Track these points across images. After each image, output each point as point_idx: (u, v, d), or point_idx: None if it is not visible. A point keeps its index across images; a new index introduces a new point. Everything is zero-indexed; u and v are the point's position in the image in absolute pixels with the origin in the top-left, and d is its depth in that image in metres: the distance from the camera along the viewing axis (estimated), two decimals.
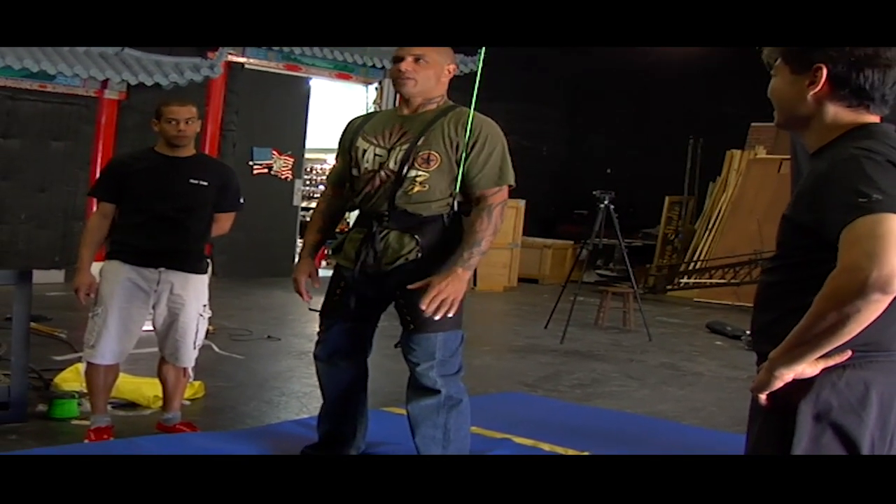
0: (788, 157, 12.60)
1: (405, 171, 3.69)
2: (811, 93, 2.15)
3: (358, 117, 4.09)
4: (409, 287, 3.60)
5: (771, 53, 2.25)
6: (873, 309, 1.92)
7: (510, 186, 3.77)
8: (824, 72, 2.12)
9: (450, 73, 3.79)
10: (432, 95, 3.77)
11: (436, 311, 3.52)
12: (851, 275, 1.91)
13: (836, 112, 2.15)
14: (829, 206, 2.01)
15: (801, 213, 2.13)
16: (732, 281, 12.20)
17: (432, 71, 3.72)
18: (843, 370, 2.08)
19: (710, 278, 12.82)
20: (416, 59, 3.69)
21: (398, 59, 3.74)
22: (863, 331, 1.99)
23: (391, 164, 3.72)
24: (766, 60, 2.27)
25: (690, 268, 13.42)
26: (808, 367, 2.07)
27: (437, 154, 3.68)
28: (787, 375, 2.07)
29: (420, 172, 3.68)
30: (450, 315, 3.58)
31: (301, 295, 3.99)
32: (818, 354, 2.02)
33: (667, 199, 14.42)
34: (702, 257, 13.32)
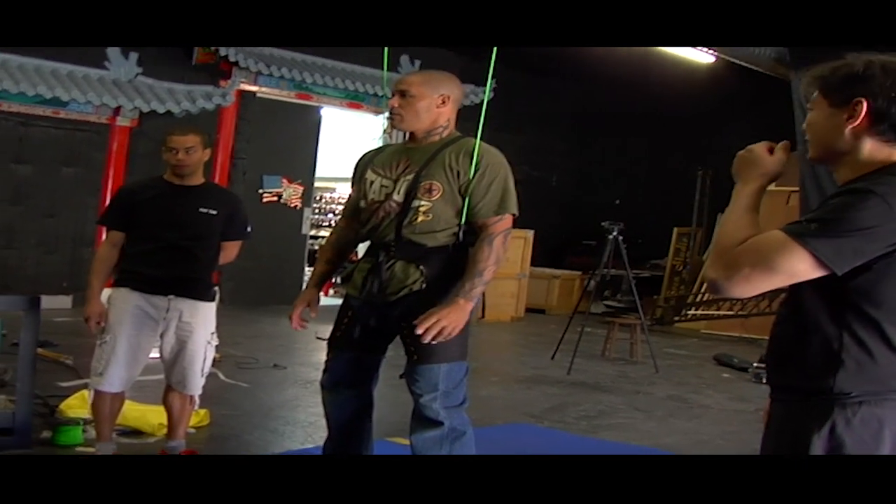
0: (797, 189, 12.66)
1: (410, 201, 3.70)
2: (850, 127, 2.12)
3: (370, 150, 4.11)
4: (415, 322, 3.59)
5: (809, 87, 2.22)
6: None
7: (514, 216, 3.77)
8: (864, 106, 2.09)
9: (445, 101, 3.73)
10: (431, 126, 3.76)
11: (434, 337, 3.52)
12: (735, 262, 2.07)
13: (873, 147, 2.12)
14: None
15: None
16: (740, 313, 12.17)
17: (422, 103, 3.69)
18: (858, 407, 2.07)
19: (718, 310, 12.79)
20: (402, 94, 3.70)
21: (392, 94, 3.76)
22: (877, 374, 2.05)
23: (396, 196, 3.73)
24: (804, 93, 2.24)
25: (698, 299, 13.39)
26: None
27: (438, 184, 3.68)
28: None
29: (423, 203, 3.68)
30: (443, 340, 3.57)
31: (291, 320, 4.00)
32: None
33: (675, 230, 14.41)
34: None
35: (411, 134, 3.82)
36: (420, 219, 3.69)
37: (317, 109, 12.58)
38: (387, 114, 3.84)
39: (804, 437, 2.10)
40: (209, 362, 4.70)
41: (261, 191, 12.05)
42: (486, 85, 4.09)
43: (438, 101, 3.73)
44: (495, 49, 3.88)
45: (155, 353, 4.67)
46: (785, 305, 2.25)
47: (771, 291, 8.14)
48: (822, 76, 2.18)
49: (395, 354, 3.99)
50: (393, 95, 3.74)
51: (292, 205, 12.44)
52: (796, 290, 2.17)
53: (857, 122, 2.11)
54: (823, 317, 2.10)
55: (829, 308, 2.09)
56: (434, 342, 3.56)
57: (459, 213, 3.72)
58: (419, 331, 3.51)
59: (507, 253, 3.79)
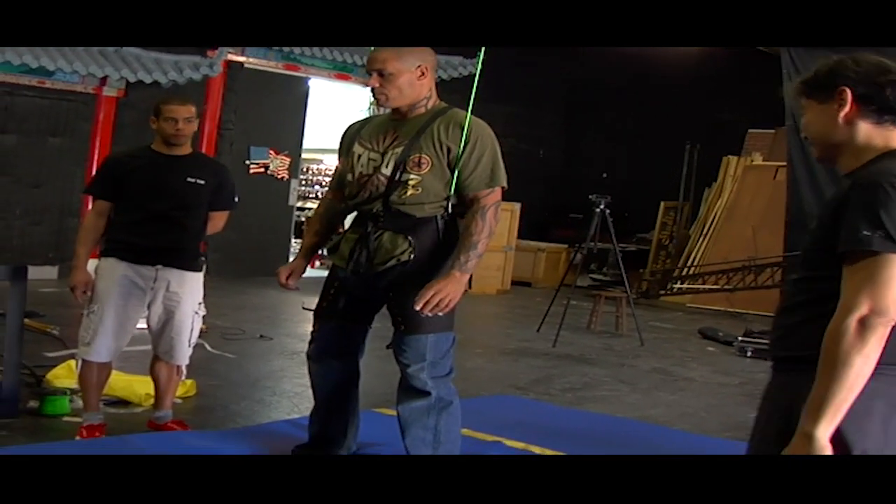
0: (784, 164, 12.67)
1: (398, 175, 3.71)
2: (842, 115, 2.28)
3: (357, 122, 4.11)
4: (414, 301, 3.59)
5: (797, 97, 2.40)
6: (882, 335, 2.10)
7: (503, 188, 3.79)
8: (849, 92, 2.26)
9: (424, 72, 3.73)
10: (415, 99, 3.76)
11: (430, 309, 3.54)
12: (852, 316, 2.08)
13: (869, 130, 2.28)
14: (842, 228, 2.15)
15: (823, 230, 2.25)
16: (726, 287, 12.22)
17: (402, 79, 3.68)
18: None
19: (704, 284, 12.85)
20: (381, 74, 3.68)
21: (369, 73, 3.75)
22: None
23: (384, 169, 3.74)
24: (795, 105, 2.44)
25: (684, 273, 13.44)
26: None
27: (427, 157, 3.70)
28: (826, 440, 2.12)
29: (412, 176, 3.70)
30: (440, 314, 3.59)
31: (279, 276, 4.02)
32: (849, 403, 2.10)
33: (662, 204, 14.44)
34: (696, 263, 13.34)
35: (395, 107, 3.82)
36: (409, 192, 3.71)
37: (304, 80, 12.52)
38: (370, 93, 3.83)
39: (798, 405, 2.17)
40: (196, 332, 4.71)
41: (248, 162, 12.01)
42: (474, 56, 4.09)
43: (418, 74, 3.73)
44: (483, 49, 3.89)
45: (142, 324, 4.67)
46: (793, 282, 2.36)
47: (754, 265, 8.25)
48: (804, 82, 2.37)
49: (381, 325, 4.01)
50: (370, 75, 3.74)
51: (279, 176, 12.41)
52: (805, 266, 2.30)
53: (847, 108, 2.27)
54: (830, 291, 2.17)
55: (838, 283, 2.16)
56: (428, 313, 3.59)
57: (448, 186, 3.73)
58: (417, 306, 3.53)
59: (497, 225, 3.81)
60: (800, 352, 2.22)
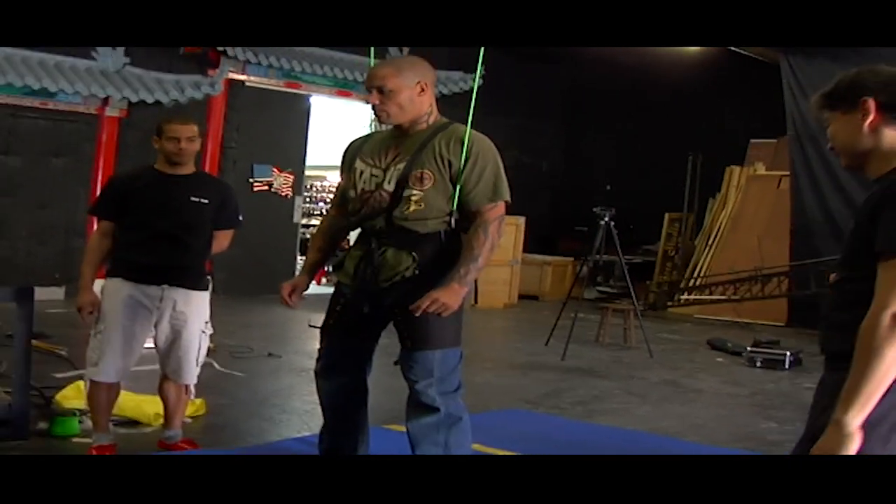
0: (787, 173, 12.66)
1: (401, 190, 3.70)
2: (866, 124, 2.40)
3: (358, 139, 4.10)
4: (410, 309, 3.59)
5: (818, 111, 2.51)
6: None
7: (506, 202, 3.78)
8: (871, 102, 2.38)
9: (424, 88, 3.71)
10: (416, 115, 3.74)
11: (427, 310, 3.53)
12: (887, 311, 2.18)
13: (894, 136, 2.40)
14: (878, 228, 2.25)
15: (860, 231, 2.34)
16: (733, 297, 12.20)
17: (402, 96, 3.67)
18: None
19: (711, 294, 12.82)
20: (381, 90, 3.67)
21: (368, 90, 3.74)
22: None
23: (387, 185, 3.73)
24: (817, 119, 2.54)
25: (691, 284, 13.42)
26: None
27: (430, 173, 3.69)
28: (858, 429, 2.20)
29: (415, 191, 3.69)
30: (437, 316, 3.58)
31: (281, 293, 3.97)
32: (880, 395, 2.19)
33: (667, 215, 14.42)
34: (702, 273, 13.32)
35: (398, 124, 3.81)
36: (412, 208, 3.70)
37: (306, 98, 12.54)
38: (371, 110, 3.82)
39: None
40: (204, 351, 4.71)
41: (251, 180, 12.03)
42: (474, 71, 4.08)
43: (418, 90, 3.71)
44: (482, 49, 3.88)
45: (150, 343, 4.66)
46: (836, 283, 2.46)
47: (761, 275, 8.33)
48: (825, 95, 2.48)
49: (389, 342, 4.00)
50: (370, 92, 3.72)
51: (283, 193, 12.43)
52: (845, 267, 2.40)
53: (871, 116, 2.39)
54: (872, 290, 2.24)
55: None
56: (427, 327, 3.58)
57: (451, 201, 3.72)
58: (416, 313, 3.53)
59: (500, 239, 3.80)
60: (846, 350, 2.27)
